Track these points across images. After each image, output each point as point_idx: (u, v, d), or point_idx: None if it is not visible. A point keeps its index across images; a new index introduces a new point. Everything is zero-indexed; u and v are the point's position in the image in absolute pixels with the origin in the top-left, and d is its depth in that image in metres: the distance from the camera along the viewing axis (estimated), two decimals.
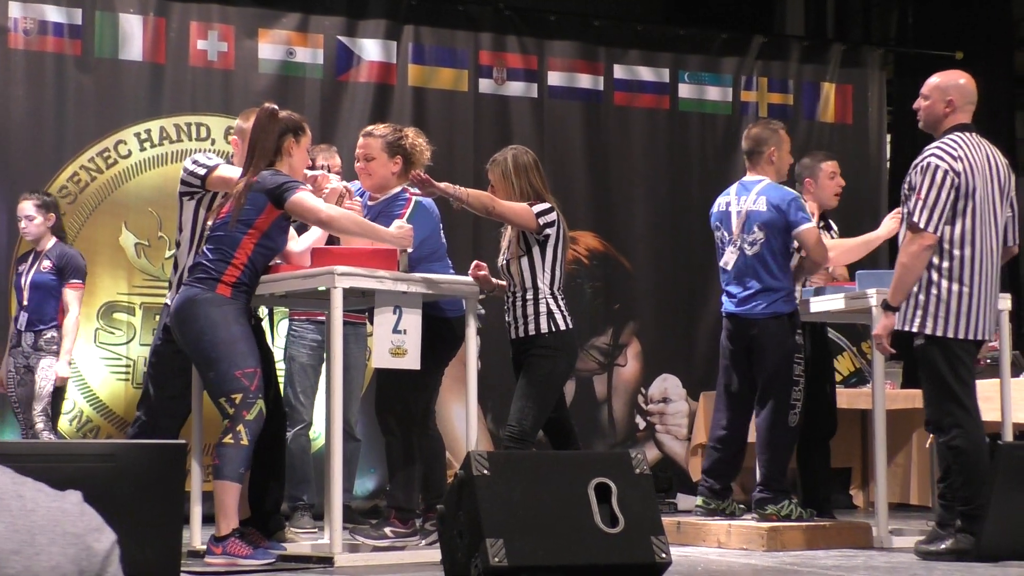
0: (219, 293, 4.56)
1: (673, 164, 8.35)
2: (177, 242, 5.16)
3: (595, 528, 3.64)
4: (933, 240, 4.68)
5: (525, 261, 5.04)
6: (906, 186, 4.81)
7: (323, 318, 6.05)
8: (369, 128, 5.27)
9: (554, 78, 8.09)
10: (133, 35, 7.16)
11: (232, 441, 4.46)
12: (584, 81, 8.18)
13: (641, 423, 8.14)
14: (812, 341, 6.04)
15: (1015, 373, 6.39)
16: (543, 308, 4.98)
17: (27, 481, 1.31)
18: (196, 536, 4.91)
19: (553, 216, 5.03)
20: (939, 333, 4.70)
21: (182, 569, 3.91)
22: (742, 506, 5.62)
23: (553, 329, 4.98)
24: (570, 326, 5.04)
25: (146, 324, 7.04)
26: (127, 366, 7.06)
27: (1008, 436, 5.53)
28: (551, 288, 5.02)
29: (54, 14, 7.03)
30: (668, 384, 8.18)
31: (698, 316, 8.27)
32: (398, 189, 5.17)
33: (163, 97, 7.21)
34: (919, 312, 4.73)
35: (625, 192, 8.24)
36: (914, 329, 4.74)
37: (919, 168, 4.75)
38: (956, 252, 4.70)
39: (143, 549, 3.55)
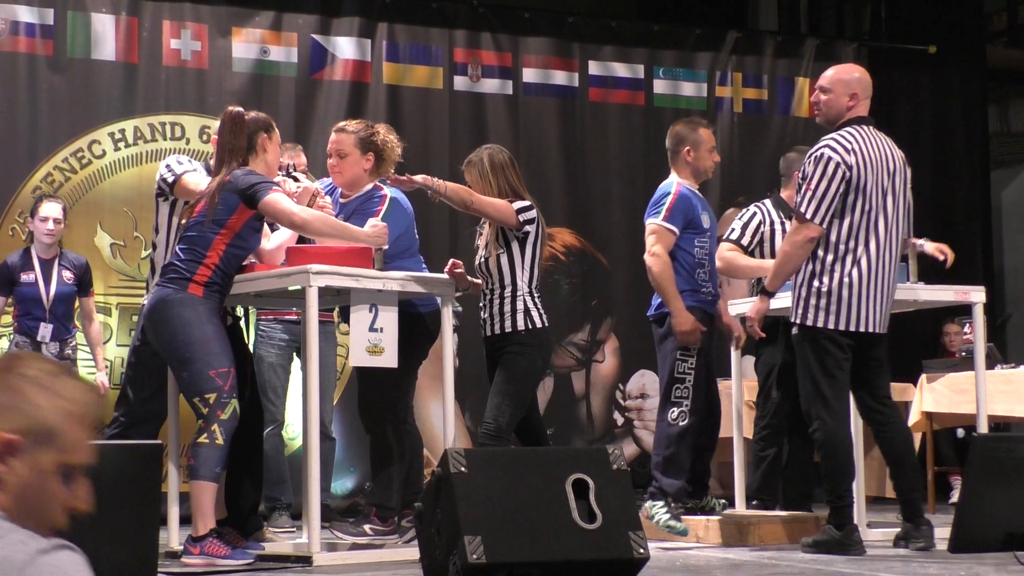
0: (191, 293, 4.55)
1: (649, 160, 8.36)
2: (153, 243, 5.15)
3: (573, 524, 3.65)
4: (818, 232, 4.70)
5: (504, 258, 5.03)
6: (799, 175, 4.84)
7: (291, 317, 6.05)
8: (341, 124, 5.26)
9: (529, 75, 8.10)
10: (105, 35, 7.12)
11: (207, 441, 4.45)
12: (559, 78, 8.18)
13: (619, 419, 8.16)
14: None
15: (990, 366, 6.42)
16: (520, 305, 4.99)
17: (15, 530, 1.41)
18: (173, 537, 4.89)
19: (533, 213, 5.03)
20: (809, 323, 4.73)
21: (159, 570, 3.90)
22: (723, 501, 5.62)
23: (529, 326, 4.98)
24: (546, 324, 5.04)
25: (123, 324, 7.01)
26: (104, 367, 7.02)
27: (983, 428, 5.56)
28: (529, 286, 5.02)
29: (26, 14, 6.99)
30: (646, 380, 8.20)
31: None
32: (370, 186, 5.17)
33: (137, 97, 7.18)
34: (800, 304, 4.77)
35: (601, 188, 8.26)
36: (794, 320, 4.79)
37: (812, 158, 4.77)
38: (842, 246, 4.71)
39: (119, 550, 3.54)
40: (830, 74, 4.96)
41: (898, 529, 5.03)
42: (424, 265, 5.26)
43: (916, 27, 9.27)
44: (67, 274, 6.49)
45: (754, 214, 6.09)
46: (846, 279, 4.70)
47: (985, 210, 9.49)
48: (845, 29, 9.80)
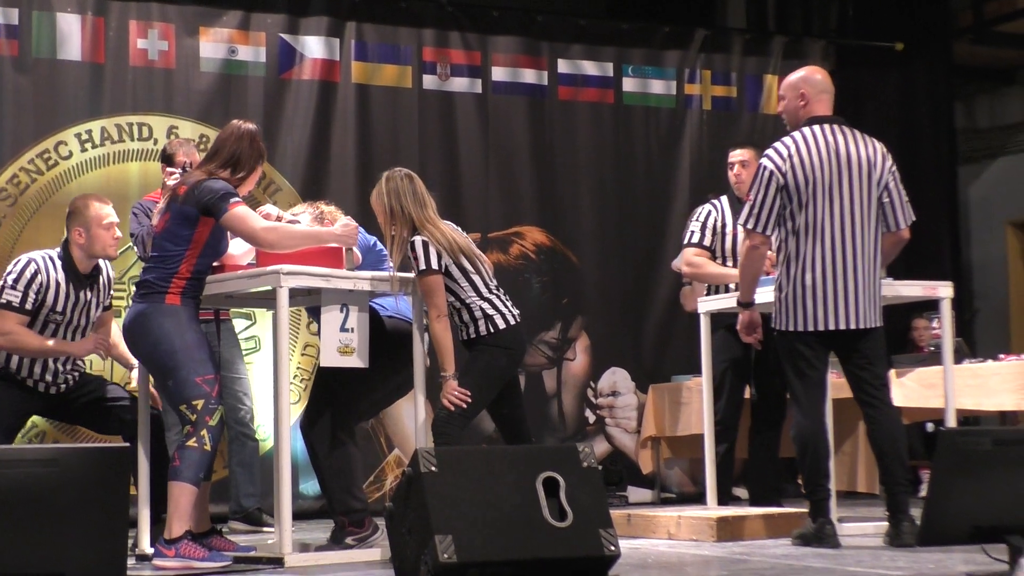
0: (169, 303, 4.54)
1: (618, 157, 8.38)
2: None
3: (544, 522, 3.65)
4: (760, 240, 4.84)
5: (448, 283, 4.93)
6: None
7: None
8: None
9: (498, 73, 8.10)
10: (71, 35, 7.08)
11: (195, 445, 4.45)
12: (528, 76, 8.19)
13: (591, 417, 8.17)
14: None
15: (958, 360, 6.47)
16: (477, 314, 4.94)
17: None
18: (144, 539, 4.87)
19: (434, 249, 4.83)
20: (778, 327, 4.88)
21: (129, 573, 3.88)
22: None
23: (492, 330, 4.93)
24: (511, 323, 4.96)
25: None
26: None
27: (951, 422, 5.59)
28: (480, 296, 4.94)
29: None
30: (617, 377, 8.21)
31: (646, 309, 8.31)
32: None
33: (103, 97, 7.13)
34: (773, 309, 4.92)
35: (571, 186, 8.26)
36: (772, 325, 4.94)
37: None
38: (792, 249, 4.81)
39: (89, 554, 3.52)
40: (784, 81, 5.04)
41: (874, 523, 5.08)
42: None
43: (883, 24, 9.32)
44: None
45: (708, 212, 6.18)
46: (799, 281, 4.80)
47: (952, 206, 9.55)
48: (813, 26, 9.84)
